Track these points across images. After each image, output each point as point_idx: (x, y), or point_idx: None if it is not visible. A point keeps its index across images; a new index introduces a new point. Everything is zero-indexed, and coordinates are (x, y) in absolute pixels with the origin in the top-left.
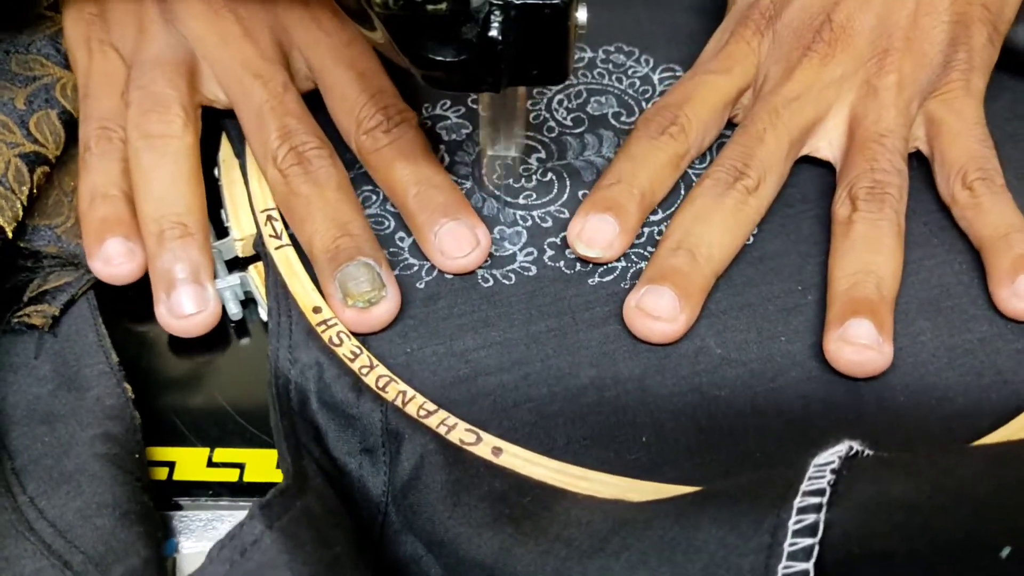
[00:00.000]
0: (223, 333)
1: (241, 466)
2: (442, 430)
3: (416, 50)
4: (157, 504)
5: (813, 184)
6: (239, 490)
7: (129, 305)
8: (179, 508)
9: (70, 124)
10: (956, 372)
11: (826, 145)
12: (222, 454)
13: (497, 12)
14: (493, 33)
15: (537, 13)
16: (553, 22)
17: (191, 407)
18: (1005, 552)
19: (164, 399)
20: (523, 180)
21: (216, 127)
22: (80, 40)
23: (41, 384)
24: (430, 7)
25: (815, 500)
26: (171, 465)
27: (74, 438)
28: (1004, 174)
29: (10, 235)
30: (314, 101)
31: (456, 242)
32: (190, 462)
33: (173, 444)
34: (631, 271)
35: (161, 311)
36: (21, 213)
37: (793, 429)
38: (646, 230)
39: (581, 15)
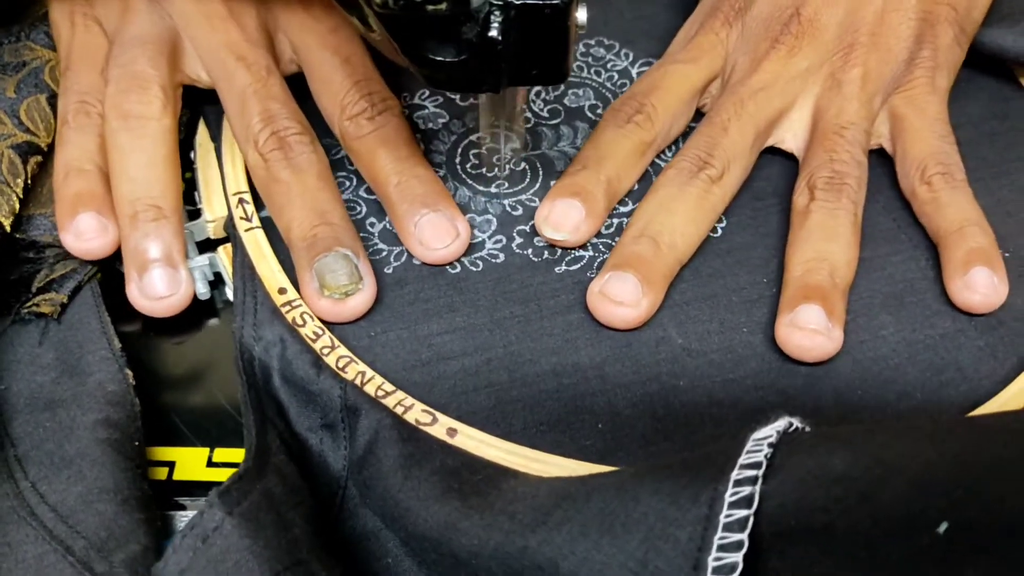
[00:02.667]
0: (224, 333)
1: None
2: (399, 410)
3: (416, 50)
4: (158, 505)
5: (783, 178)
6: None
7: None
8: (180, 508)
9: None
10: (916, 367)
11: (791, 137)
12: (222, 454)
13: (497, 12)
14: (493, 33)
15: (537, 13)
16: (553, 22)
17: (191, 407)
18: (942, 528)
19: (164, 399)
20: (508, 167)
21: (195, 110)
22: (64, 14)
23: (45, 372)
24: (430, 7)
25: (751, 473)
26: (171, 465)
27: (75, 423)
28: (979, 173)
29: (8, 229)
30: (298, 87)
31: (436, 233)
32: (190, 462)
33: (173, 444)
34: (598, 260)
35: (133, 291)
36: (18, 206)
37: (749, 420)
38: (615, 220)
39: (581, 15)
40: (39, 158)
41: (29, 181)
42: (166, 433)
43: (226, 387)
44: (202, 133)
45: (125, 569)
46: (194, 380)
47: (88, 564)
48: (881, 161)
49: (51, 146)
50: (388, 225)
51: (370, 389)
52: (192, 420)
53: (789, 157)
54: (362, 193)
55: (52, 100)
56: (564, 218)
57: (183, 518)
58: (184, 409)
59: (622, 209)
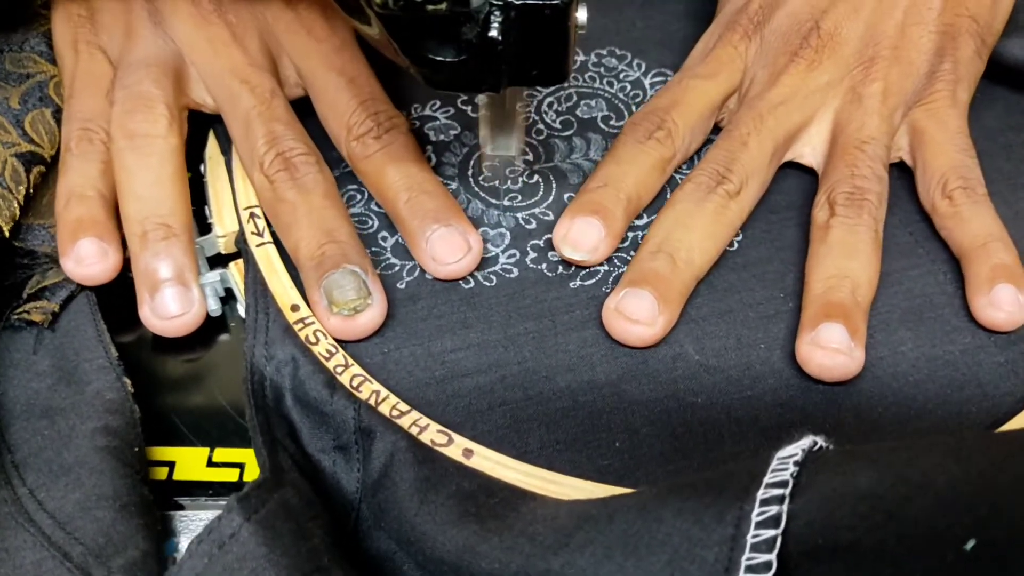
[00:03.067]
0: (224, 333)
1: (241, 466)
2: (414, 431)
3: (416, 50)
4: (157, 504)
5: (799, 191)
6: (239, 490)
7: (128, 304)
8: (180, 508)
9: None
10: (936, 384)
11: (809, 151)
12: (222, 454)
13: (497, 12)
14: (493, 33)
15: (537, 13)
16: (553, 22)
17: (191, 407)
18: (970, 544)
19: (164, 399)
20: (520, 180)
21: (204, 125)
22: (68, 41)
23: (40, 379)
24: (430, 7)
25: (778, 492)
26: (171, 465)
27: (74, 431)
28: (996, 185)
29: (7, 234)
30: (304, 108)
31: (447, 248)
32: (190, 462)
33: (173, 444)
34: (613, 275)
35: (145, 312)
36: (18, 212)
37: (768, 437)
38: (629, 234)
39: (581, 15)
40: (42, 168)
41: (31, 191)
42: (166, 433)
43: (226, 388)
44: (212, 147)
45: (123, 575)
46: (194, 380)
47: (86, 570)
48: (898, 174)
49: (55, 158)
50: (400, 239)
51: (384, 409)
52: (192, 420)
53: (805, 170)
54: (373, 207)
55: (57, 115)
56: (583, 237)
57: (183, 519)
58: (184, 409)
59: (637, 223)
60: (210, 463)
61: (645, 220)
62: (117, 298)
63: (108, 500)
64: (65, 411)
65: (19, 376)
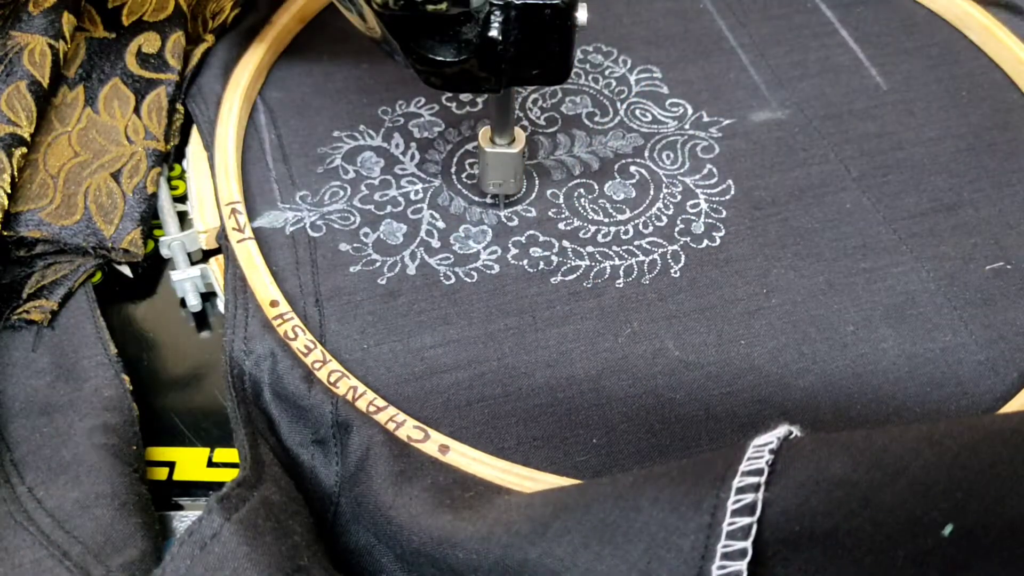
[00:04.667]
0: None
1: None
2: (391, 427)
3: (416, 50)
4: (157, 504)
5: (782, 187)
6: None
7: (128, 302)
8: (179, 508)
9: (41, 97)
10: (916, 382)
11: None
12: (222, 454)
13: (497, 12)
14: (493, 33)
15: (538, 13)
16: (554, 22)
17: (191, 407)
18: (947, 530)
19: (164, 399)
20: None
21: (188, 117)
22: None
23: (39, 376)
24: (430, 7)
25: (753, 480)
26: (171, 465)
27: (72, 428)
28: (981, 183)
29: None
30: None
31: None
32: (190, 462)
33: (173, 444)
34: (594, 270)
35: None
36: (6, 202)
37: (747, 434)
38: (611, 228)
39: (581, 15)
40: (24, 149)
41: (16, 175)
42: (166, 433)
43: (226, 388)
44: (195, 142)
45: (123, 574)
46: (194, 381)
47: (85, 569)
48: (882, 171)
49: (44, 140)
50: (382, 235)
51: (362, 404)
52: (192, 420)
53: (787, 165)
54: (356, 203)
55: (32, 87)
56: None
57: (182, 518)
58: (184, 409)
59: (619, 217)
60: (210, 463)
61: (628, 215)
62: (116, 299)
63: (107, 499)
64: (64, 408)
65: (18, 374)
